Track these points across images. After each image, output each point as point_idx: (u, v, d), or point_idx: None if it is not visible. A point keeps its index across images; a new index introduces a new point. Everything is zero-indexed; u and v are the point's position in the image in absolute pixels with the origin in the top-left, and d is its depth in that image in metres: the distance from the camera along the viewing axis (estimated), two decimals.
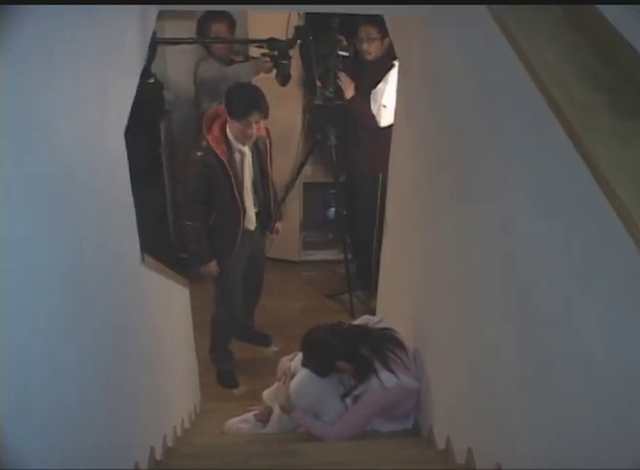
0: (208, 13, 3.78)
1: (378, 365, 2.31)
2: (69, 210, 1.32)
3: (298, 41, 3.40)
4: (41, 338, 1.12)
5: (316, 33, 3.47)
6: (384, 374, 2.29)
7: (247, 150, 3.11)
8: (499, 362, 1.58)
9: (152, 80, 3.63)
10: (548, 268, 1.27)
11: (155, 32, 3.02)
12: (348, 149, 3.96)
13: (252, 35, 3.83)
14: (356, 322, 2.64)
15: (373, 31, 3.57)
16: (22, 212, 1.03)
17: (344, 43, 3.64)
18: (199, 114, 3.78)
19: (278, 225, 3.55)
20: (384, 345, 2.38)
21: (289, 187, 4.18)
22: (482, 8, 1.51)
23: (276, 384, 2.64)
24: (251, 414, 2.87)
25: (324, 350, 2.36)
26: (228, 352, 3.75)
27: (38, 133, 1.13)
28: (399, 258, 2.95)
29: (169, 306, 2.89)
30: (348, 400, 2.40)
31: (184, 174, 3.24)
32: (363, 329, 2.47)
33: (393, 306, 3.08)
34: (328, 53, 3.58)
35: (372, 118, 3.67)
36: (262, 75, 3.59)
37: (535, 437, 1.36)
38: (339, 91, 3.76)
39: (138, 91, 2.03)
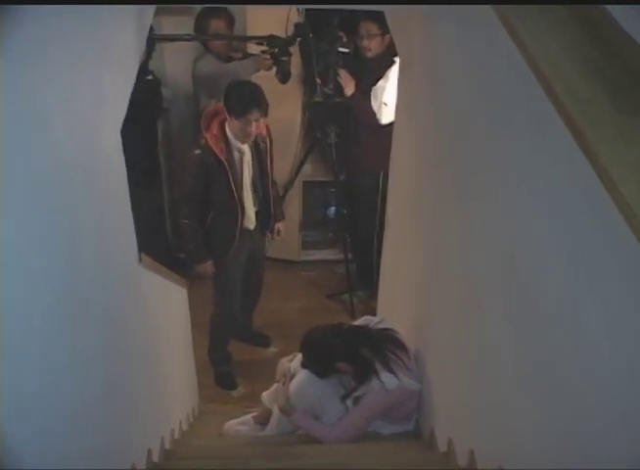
0: (207, 9, 3.78)
1: (378, 366, 2.31)
2: (65, 209, 1.31)
3: (298, 38, 3.40)
4: (37, 338, 1.12)
5: (316, 30, 3.47)
6: (384, 375, 2.29)
7: (246, 148, 3.10)
8: (501, 363, 1.58)
9: (149, 77, 3.63)
10: (550, 268, 1.27)
11: (152, 29, 3.03)
12: (349, 147, 3.96)
13: (251, 32, 3.82)
14: (357, 323, 2.64)
15: (373, 28, 3.56)
16: (18, 212, 1.03)
17: (345, 40, 3.64)
18: (197, 111, 3.78)
19: (280, 225, 3.53)
20: (384, 345, 2.37)
21: (288, 186, 4.18)
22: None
23: (275, 385, 2.64)
24: (249, 416, 2.87)
25: (324, 351, 2.36)
26: (227, 353, 3.75)
27: (33, 131, 1.13)
28: (400, 258, 2.95)
29: (167, 307, 2.89)
30: (349, 402, 2.40)
31: (182, 173, 3.23)
32: (364, 330, 2.47)
33: (394, 307, 3.08)
34: (328, 50, 3.58)
35: (372, 116, 3.67)
36: (262, 73, 3.59)
37: (538, 438, 1.35)
38: (339, 88, 3.75)
39: (135, 88, 2.03)
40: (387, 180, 3.40)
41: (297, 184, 4.29)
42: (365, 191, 4.06)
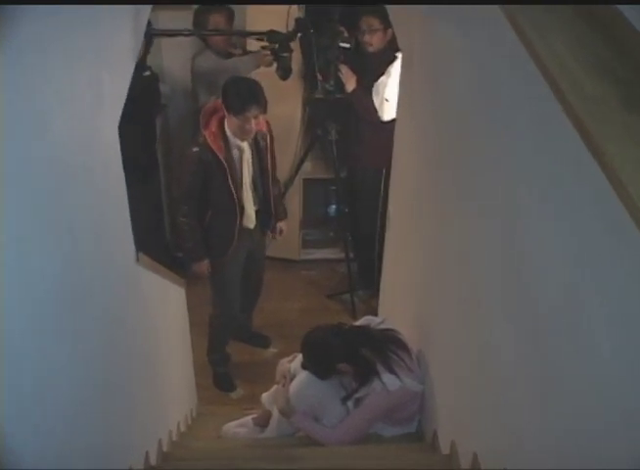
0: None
1: (380, 367, 2.31)
2: (63, 208, 1.32)
3: (299, 33, 3.40)
4: (35, 338, 1.12)
5: (317, 25, 3.46)
6: (386, 376, 2.29)
7: (245, 146, 3.09)
8: (504, 364, 1.58)
9: (147, 73, 3.63)
10: (555, 267, 1.27)
11: (150, 23, 3.03)
12: (350, 144, 3.96)
13: (251, 27, 3.82)
14: (358, 323, 2.64)
15: (375, 22, 3.56)
16: (15, 211, 1.03)
17: (346, 35, 3.62)
18: (196, 108, 3.78)
19: (281, 225, 3.51)
20: (386, 346, 2.37)
21: (288, 183, 4.17)
22: None
23: (275, 387, 2.64)
24: (249, 418, 2.87)
25: (324, 351, 2.36)
26: (225, 354, 3.75)
27: (32, 131, 1.13)
28: (402, 257, 2.95)
29: (165, 307, 2.89)
30: (350, 404, 2.40)
31: (179, 170, 3.22)
32: (365, 330, 2.47)
33: (396, 306, 3.08)
34: (329, 45, 3.56)
35: (374, 113, 3.67)
36: (261, 69, 3.59)
37: (541, 439, 1.35)
38: (340, 84, 3.75)
39: (133, 84, 2.03)
40: (388, 178, 3.40)
41: (298, 182, 4.28)
42: (366, 189, 4.06)
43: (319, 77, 3.63)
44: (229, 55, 3.84)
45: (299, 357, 2.51)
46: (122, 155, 1.92)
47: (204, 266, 3.26)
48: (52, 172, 1.24)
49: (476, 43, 1.78)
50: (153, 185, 4.04)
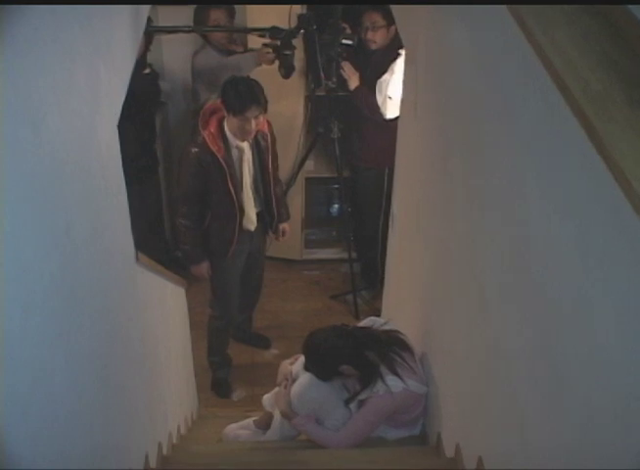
0: None
1: (383, 369, 2.31)
2: (59, 206, 1.32)
3: (301, 30, 3.39)
4: (31, 338, 1.12)
5: (319, 21, 3.46)
6: (389, 378, 2.29)
7: (246, 146, 3.07)
8: (511, 365, 1.57)
9: (147, 71, 3.64)
10: (563, 267, 1.26)
11: (150, 20, 3.03)
12: (352, 142, 3.96)
13: (252, 24, 3.82)
14: (361, 324, 2.64)
15: (378, 19, 3.56)
16: (10, 210, 1.03)
17: (348, 31, 3.63)
18: (196, 106, 3.78)
19: (284, 226, 3.48)
20: (390, 348, 2.37)
21: (290, 182, 4.18)
22: None
23: (276, 389, 2.64)
24: (250, 420, 2.87)
25: (327, 353, 2.36)
26: (226, 357, 3.75)
27: (28, 128, 1.13)
28: (406, 257, 2.94)
29: (165, 307, 2.89)
30: (353, 406, 2.40)
31: (178, 171, 3.22)
32: (368, 331, 2.47)
33: (400, 307, 3.08)
34: (331, 42, 3.55)
35: (377, 110, 3.67)
36: (263, 66, 3.58)
37: (549, 443, 1.35)
38: (342, 82, 3.75)
39: (133, 82, 2.03)
40: (392, 176, 3.39)
41: (300, 181, 4.28)
42: (369, 188, 4.06)
43: (322, 75, 3.63)
44: (230, 52, 3.84)
45: (301, 359, 2.51)
46: (122, 153, 1.92)
47: (203, 269, 3.25)
48: (48, 170, 1.24)
49: (480, 39, 1.78)
50: (152, 184, 4.04)
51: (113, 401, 1.77)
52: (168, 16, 3.80)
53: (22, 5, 1.07)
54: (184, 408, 3.20)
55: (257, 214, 3.26)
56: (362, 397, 2.35)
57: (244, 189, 3.13)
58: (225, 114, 2.97)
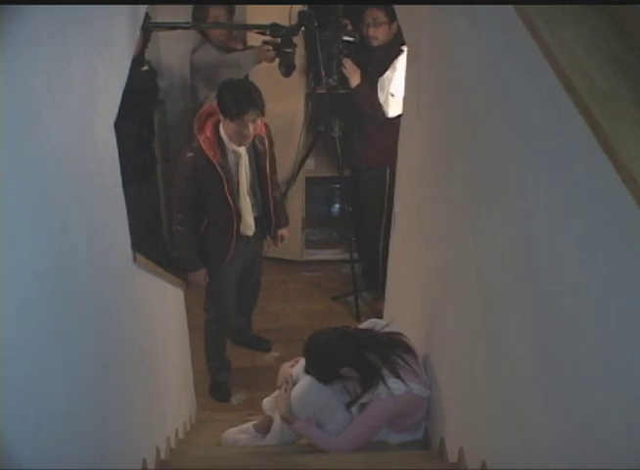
0: None
1: (385, 372, 2.31)
2: (55, 205, 1.32)
3: (302, 27, 3.39)
4: (27, 338, 1.12)
5: (320, 18, 3.46)
6: (391, 381, 2.29)
7: (243, 150, 3.02)
8: (515, 368, 1.57)
9: (145, 68, 3.63)
10: (566, 268, 1.27)
11: (148, 16, 3.03)
12: (354, 141, 3.96)
13: (252, 21, 3.82)
14: (362, 326, 2.64)
15: (380, 15, 3.56)
16: (5, 208, 1.03)
17: (350, 28, 3.63)
18: (195, 104, 3.78)
19: (283, 232, 3.46)
20: (391, 350, 2.37)
21: (290, 182, 4.17)
22: None
23: (277, 392, 2.63)
24: (250, 424, 2.87)
25: (328, 355, 2.36)
26: (225, 361, 3.74)
27: (24, 126, 1.13)
28: (408, 258, 2.94)
29: (163, 308, 2.89)
30: (354, 410, 2.40)
31: (173, 176, 3.18)
32: (370, 333, 2.47)
33: (402, 309, 3.07)
34: (332, 38, 3.55)
35: (379, 108, 3.66)
36: (263, 64, 3.58)
37: (554, 448, 1.35)
38: (343, 79, 3.75)
39: (130, 79, 2.03)
40: (394, 176, 3.39)
41: (300, 180, 4.28)
42: (371, 187, 4.06)
43: (322, 72, 3.63)
44: (229, 49, 3.84)
45: (302, 362, 2.51)
46: (119, 152, 1.92)
47: (201, 276, 3.24)
48: (44, 169, 1.24)
49: (484, 35, 1.78)
50: (150, 183, 4.04)
51: (110, 404, 1.77)
52: (166, 12, 3.79)
53: (22, 5, 1.08)
54: (183, 412, 3.20)
55: (255, 219, 3.23)
56: (364, 400, 2.35)
57: (241, 194, 3.09)
58: (221, 118, 2.92)
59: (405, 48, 3.18)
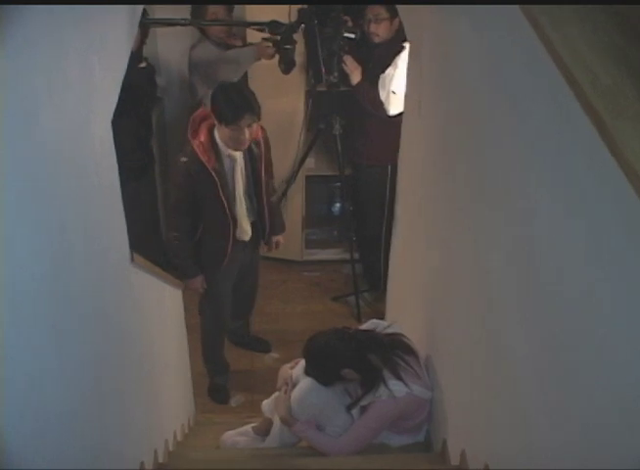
0: None
1: (386, 373, 2.31)
2: (53, 206, 1.32)
3: (302, 24, 3.38)
4: (21, 341, 1.12)
5: (320, 14, 3.45)
6: (393, 383, 2.29)
7: (238, 155, 2.99)
8: (519, 370, 1.57)
9: (143, 64, 3.63)
10: (571, 267, 1.27)
11: (146, 12, 3.02)
12: (355, 139, 3.96)
13: (252, 17, 3.81)
14: (363, 327, 2.64)
15: (381, 11, 3.55)
16: (3, 209, 1.03)
17: (351, 24, 3.62)
18: (194, 102, 3.78)
19: (278, 239, 3.45)
20: (393, 351, 2.37)
21: (290, 181, 4.17)
22: None
23: (276, 394, 2.64)
24: (249, 427, 2.87)
25: (328, 357, 2.36)
26: (223, 363, 3.74)
27: (21, 125, 1.13)
28: (410, 258, 2.95)
29: (161, 309, 2.90)
30: (355, 412, 2.40)
31: (169, 181, 3.16)
32: (371, 334, 2.47)
33: (403, 310, 3.08)
34: (333, 35, 3.54)
35: (380, 106, 3.66)
36: (263, 61, 3.58)
37: (558, 451, 1.35)
38: (344, 76, 3.74)
39: (128, 76, 2.03)
40: (395, 174, 3.39)
41: (300, 179, 4.27)
42: (372, 186, 4.05)
43: (323, 69, 3.62)
44: (228, 46, 3.84)
45: (302, 363, 2.51)
46: (117, 150, 1.92)
47: (198, 283, 3.24)
48: (42, 168, 1.24)
49: (487, 35, 1.78)
50: (148, 182, 4.03)
51: (107, 406, 1.77)
52: (165, 8, 3.79)
53: (21, 5, 1.08)
54: (181, 414, 3.20)
55: (252, 224, 3.21)
56: (364, 402, 2.35)
57: (236, 199, 3.07)
58: (216, 123, 2.88)
59: (407, 45, 3.19)
